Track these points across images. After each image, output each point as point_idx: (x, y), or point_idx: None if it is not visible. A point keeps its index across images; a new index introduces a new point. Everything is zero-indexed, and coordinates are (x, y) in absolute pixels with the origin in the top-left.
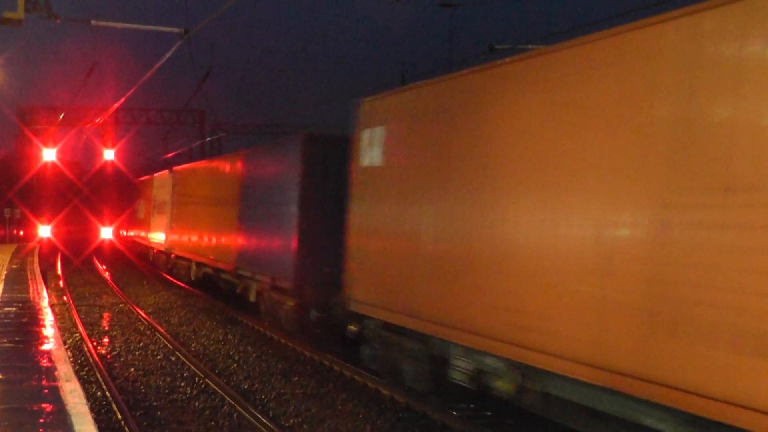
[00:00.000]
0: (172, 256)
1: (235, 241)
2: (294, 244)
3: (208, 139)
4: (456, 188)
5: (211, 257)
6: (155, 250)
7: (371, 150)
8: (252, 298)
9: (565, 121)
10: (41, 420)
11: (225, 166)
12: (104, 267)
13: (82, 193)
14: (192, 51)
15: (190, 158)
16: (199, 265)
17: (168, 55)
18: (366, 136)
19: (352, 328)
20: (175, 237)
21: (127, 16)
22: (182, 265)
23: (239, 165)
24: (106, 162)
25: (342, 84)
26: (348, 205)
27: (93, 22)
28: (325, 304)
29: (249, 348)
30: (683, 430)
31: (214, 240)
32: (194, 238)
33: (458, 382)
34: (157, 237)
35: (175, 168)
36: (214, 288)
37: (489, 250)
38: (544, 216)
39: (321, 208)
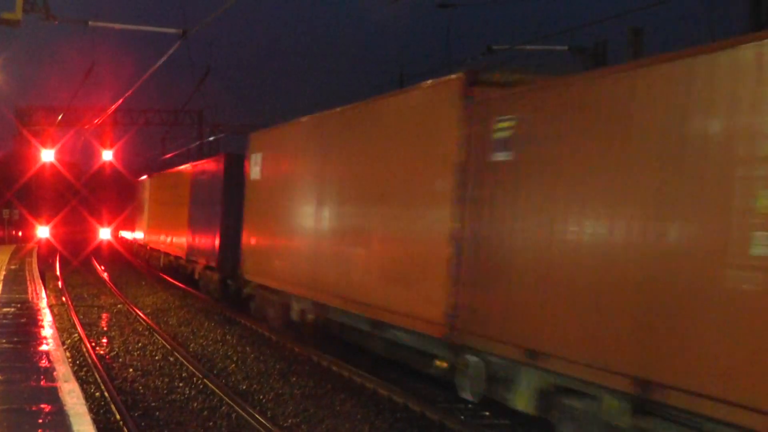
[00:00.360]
0: (148, 248)
1: (186, 235)
2: (218, 234)
3: (207, 140)
4: (288, 198)
5: (171, 248)
6: (137, 244)
7: (255, 169)
8: (196, 276)
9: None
10: (40, 420)
11: (181, 174)
12: (102, 268)
13: (81, 193)
14: (190, 52)
15: (188, 159)
16: (165, 255)
17: (166, 56)
18: (252, 159)
19: (246, 290)
20: (150, 233)
21: (125, 16)
22: (155, 256)
23: (189, 174)
24: (104, 163)
25: (340, 84)
26: (243, 207)
27: (91, 23)
28: (236, 276)
29: (247, 348)
30: (368, 328)
31: (174, 234)
32: (162, 233)
33: (294, 320)
34: (139, 233)
35: (152, 174)
36: (174, 270)
37: (300, 235)
38: (315, 211)
39: (236, 208)
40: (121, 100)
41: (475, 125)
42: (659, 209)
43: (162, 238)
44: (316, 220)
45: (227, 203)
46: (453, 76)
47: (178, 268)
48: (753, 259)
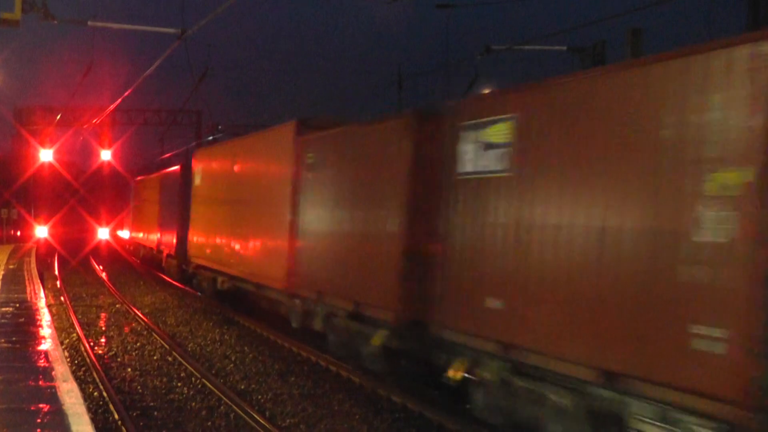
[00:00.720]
0: (133, 242)
1: (156, 230)
2: (176, 229)
3: (207, 140)
4: (212, 201)
5: (148, 242)
6: (125, 240)
7: (196, 177)
8: (163, 264)
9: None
10: (38, 420)
11: (155, 179)
12: (101, 267)
13: (79, 193)
14: (189, 52)
15: (187, 159)
16: (143, 247)
17: (165, 55)
18: (195, 169)
19: (190, 269)
20: (133, 230)
21: (124, 16)
22: (137, 249)
23: (160, 179)
24: (103, 163)
25: (339, 84)
26: (189, 206)
27: (90, 22)
28: (187, 261)
29: (245, 348)
30: (255, 290)
31: (148, 230)
32: (142, 230)
33: (219, 289)
34: (127, 230)
35: (136, 178)
36: (150, 260)
37: (218, 228)
38: (224, 211)
39: (189, 208)
40: (119, 100)
41: (299, 154)
42: (365, 207)
43: (142, 234)
44: (225, 217)
45: (183, 204)
46: (291, 122)
47: (152, 258)
48: (388, 234)
